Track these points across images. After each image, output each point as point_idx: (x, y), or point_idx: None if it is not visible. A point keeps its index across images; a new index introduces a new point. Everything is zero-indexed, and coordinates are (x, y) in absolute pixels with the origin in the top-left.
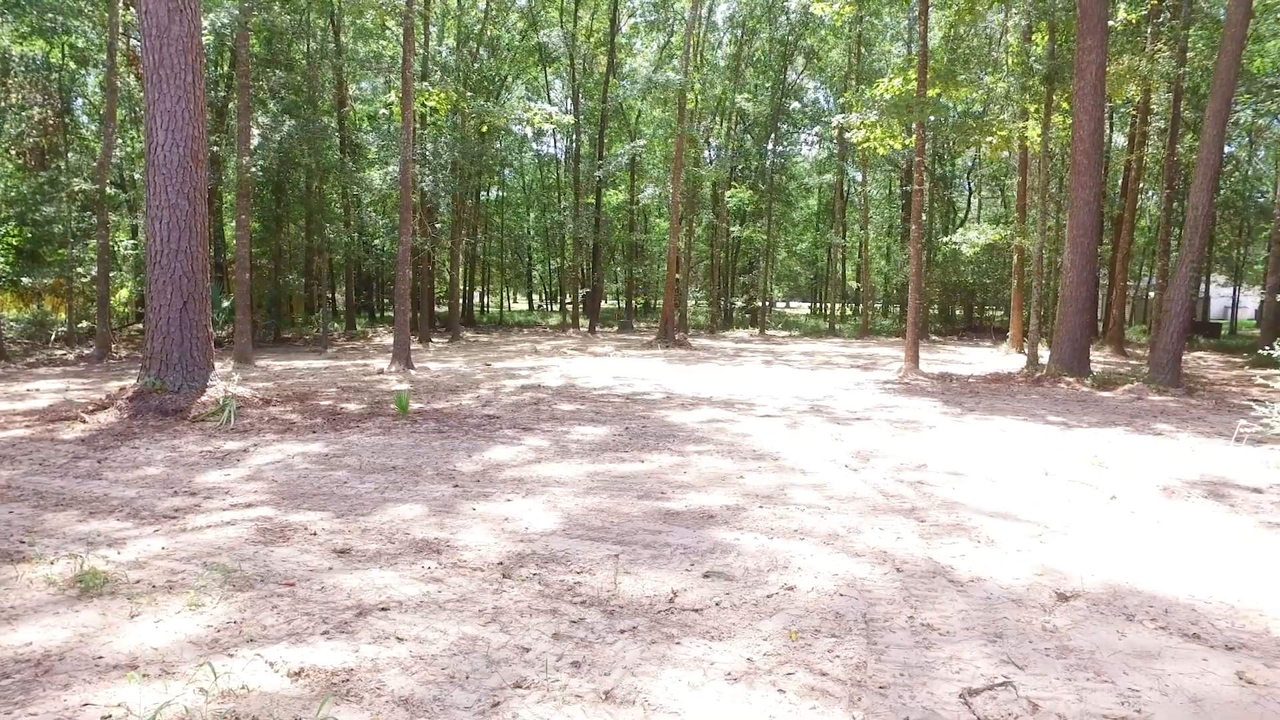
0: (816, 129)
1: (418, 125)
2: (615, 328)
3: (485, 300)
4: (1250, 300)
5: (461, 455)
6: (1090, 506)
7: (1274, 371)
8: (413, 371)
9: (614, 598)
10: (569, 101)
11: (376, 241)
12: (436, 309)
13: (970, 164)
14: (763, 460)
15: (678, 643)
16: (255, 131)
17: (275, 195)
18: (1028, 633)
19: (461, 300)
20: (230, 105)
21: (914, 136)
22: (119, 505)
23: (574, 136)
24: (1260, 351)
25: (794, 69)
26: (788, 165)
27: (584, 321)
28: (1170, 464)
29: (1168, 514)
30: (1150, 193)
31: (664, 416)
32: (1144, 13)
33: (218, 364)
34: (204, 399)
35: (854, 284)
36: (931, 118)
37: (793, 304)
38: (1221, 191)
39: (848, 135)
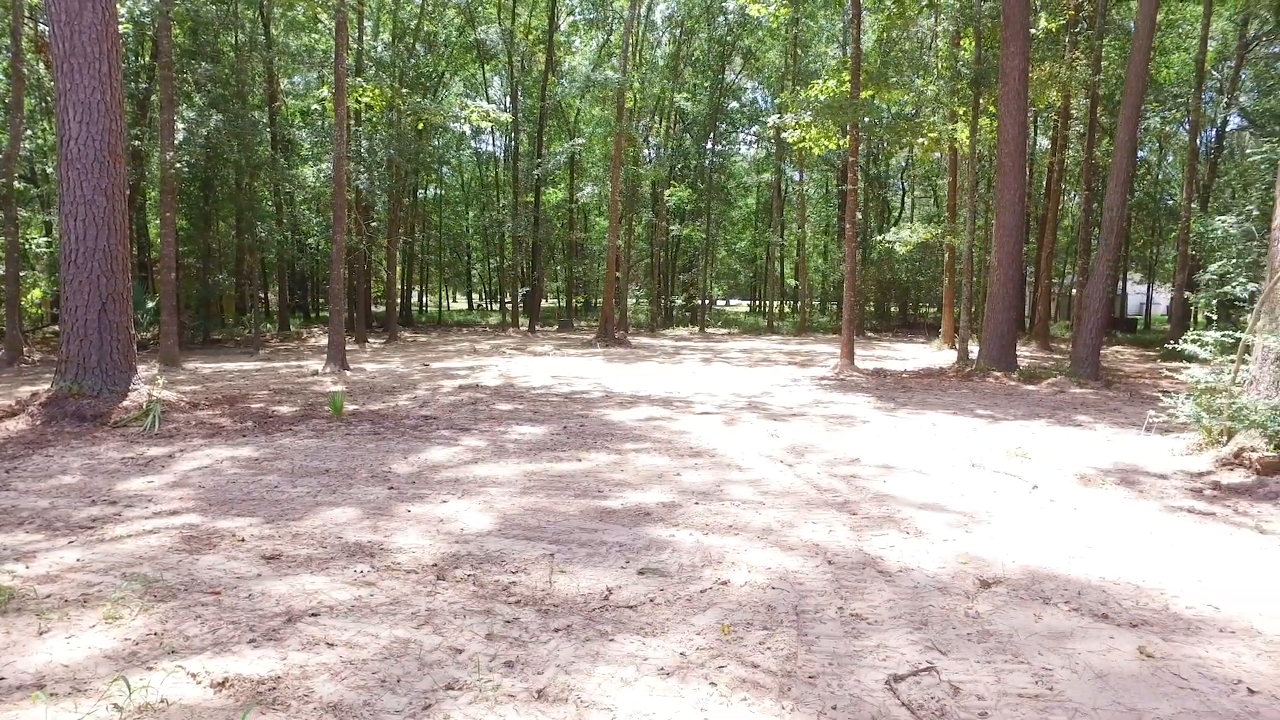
0: (755, 129)
1: (352, 121)
2: (555, 326)
3: (424, 300)
4: (1163, 297)
5: (397, 457)
6: (1014, 496)
7: (1181, 364)
8: (348, 372)
9: (549, 597)
10: (508, 99)
11: (311, 240)
12: (374, 309)
13: (904, 164)
14: (700, 457)
15: (612, 640)
16: (180, 125)
17: (203, 192)
18: (951, 619)
19: (399, 300)
20: (153, 98)
21: (848, 137)
22: (29, 517)
23: (513, 134)
24: (1168, 345)
25: (732, 69)
26: (726, 164)
27: (524, 321)
28: (1088, 453)
29: (1084, 501)
30: (1072, 194)
31: (602, 415)
32: (1063, 22)
33: (141, 367)
34: (126, 403)
35: (792, 282)
36: (865, 119)
37: (733, 302)
38: (1135, 194)
39: (784, 135)
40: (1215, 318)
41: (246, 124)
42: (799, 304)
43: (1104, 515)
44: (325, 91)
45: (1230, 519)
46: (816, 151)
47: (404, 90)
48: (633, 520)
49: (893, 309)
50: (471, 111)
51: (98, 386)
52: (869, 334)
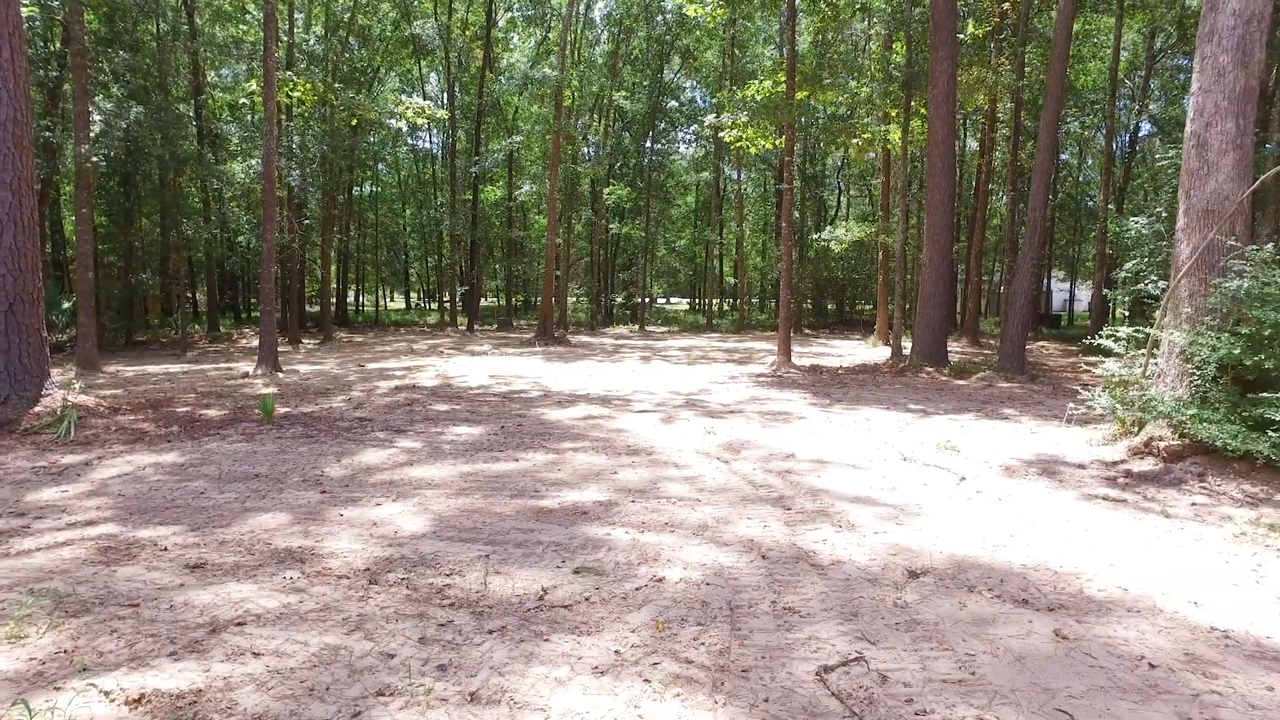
0: (693, 127)
1: (283, 116)
2: (495, 326)
3: (360, 299)
4: (1085, 294)
5: (330, 459)
6: (942, 488)
7: (1098, 358)
8: (280, 374)
9: (484, 598)
10: (445, 95)
11: (241, 238)
12: (308, 308)
13: (840, 164)
14: (637, 455)
15: (546, 639)
16: (97, 117)
17: (124, 187)
18: (881, 610)
19: (334, 299)
20: (65, 87)
21: (784, 137)
22: None
23: (450, 131)
24: (1087, 340)
25: (671, 68)
26: (666, 163)
27: (463, 320)
28: (1013, 446)
29: (1008, 492)
30: (1000, 194)
31: (540, 414)
32: (989, 29)
33: (56, 371)
34: (38, 409)
35: (731, 280)
36: (800, 119)
37: (673, 300)
38: (1058, 195)
39: (721, 135)
40: (1129, 314)
41: (170, 117)
42: (738, 302)
43: (1026, 505)
44: (254, 85)
45: (1140, 505)
46: (753, 151)
47: (337, 85)
48: (569, 519)
49: (830, 306)
50: (407, 108)
51: (5, 392)
52: (806, 331)
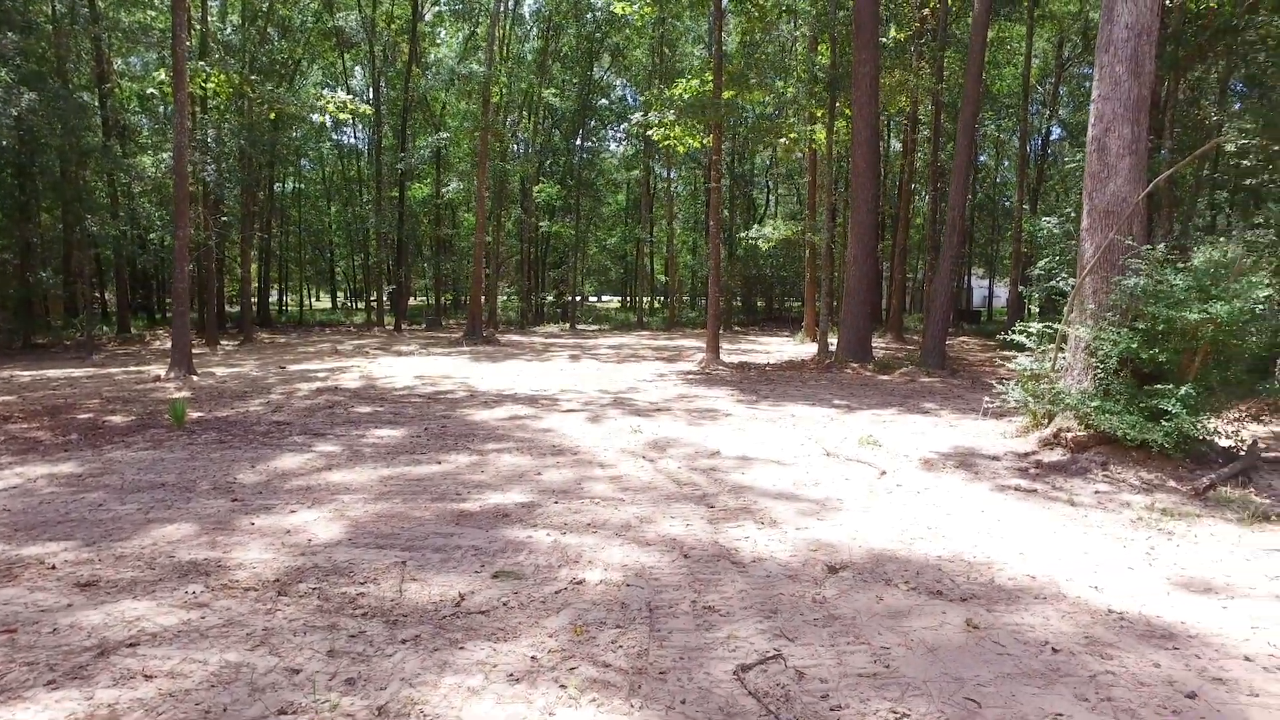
0: (624, 126)
1: (197, 109)
2: (423, 325)
3: (284, 299)
4: (1003, 291)
5: (244, 466)
6: (864, 483)
7: (1013, 353)
8: (195, 377)
9: (398, 606)
10: (370, 90)
11: (153, 235)
12: (229, 308)
13: (768, 163)
14: (562, 455)
15: (461, 648)
16: None
17: (18, 180)
18: (800, 606)
19: (256, 299)
20: None
21: (711, 135)
22: None
23: (376, 127)
24: (1001, 336)
25: (600, 66)
26: (596, 161)
27: (390, 320)
28: (932, 439)
29: (927, 485)
30: (923, 194)
31: (465, 415)
32: (910, 33)
33: None
34: None
35: (663, 278)
36: (728, 118)
37: (605, 298)
38: (977, 195)
39: (649, 133)
40: (1041, 310)
41: (71, 106)
42: (669, 299)
43: (943, 498)
44: (163, 75)
45: (1048, 494)
46: (681, 150)
47: (254, 77)
48: (490, 522)
49: (760, 304)
50: (328, 102)
51: None
52: (736, 328)
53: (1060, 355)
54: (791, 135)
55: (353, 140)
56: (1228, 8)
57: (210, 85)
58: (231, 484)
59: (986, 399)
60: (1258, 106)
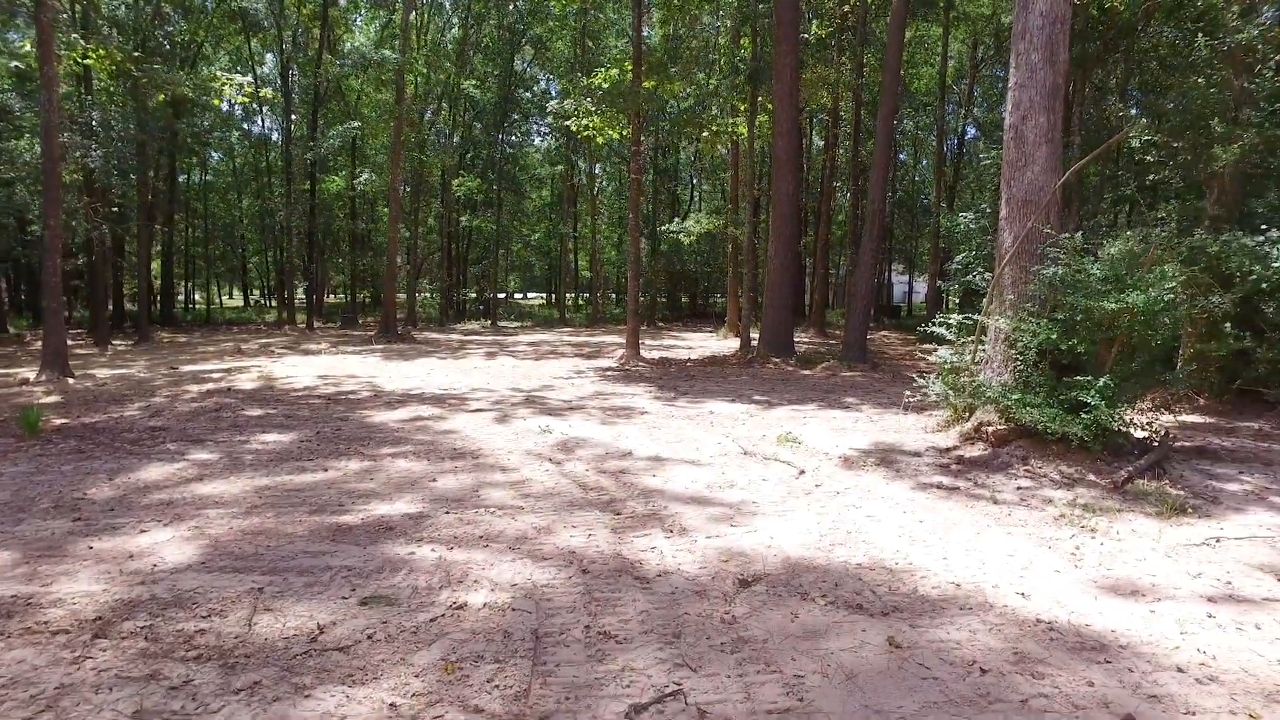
0: (547, 119)
1: (82, 89)
2: (339, 324)
3: (190, 296)
4: (922, 286)
5: (101, 478)
6: (781, 483)
7: (933, 345)
8: (71, 380)
9: (243, 644)
10: (280, 77)
11: (34, 227)
12: (129, 306)
13: (693, 158)
14: (461, 459)
15: (308, 695)
16: None
17: None
18: (706, 628)
19: (158, 296)
20: None
21: (631, 126)
22: None
23: (286, 116)
24: (920, 329)
25: (523, 58)
26: (519, 156)
27: (305, 317)
28: (853, 435)
29: (847, 484)
30: (845, 191)
31: (365, 417)
32: (831, 29)
33: None
34: None
35: (587, 274)
36: (647, 109)
37: (531, 295)
38: (897, 193)
39: (568, 123)
40: (959, 303)
41: None
42: (593, 295)
43: (864, 498)
44: (28, 45)
45: (971, 492)
46: (600, 141)
47: (137, 54)
48: (370, 537)
49: (684, 299)
50: (224, 84)
51: None
52: (659, 324)
53: (980, 348)
54: (714, 128)
55: (264, 129)
56: (1125, 14)
57: (89, 61)
58: (79, 501)
59: (908, 393)
60: (1154, 106)
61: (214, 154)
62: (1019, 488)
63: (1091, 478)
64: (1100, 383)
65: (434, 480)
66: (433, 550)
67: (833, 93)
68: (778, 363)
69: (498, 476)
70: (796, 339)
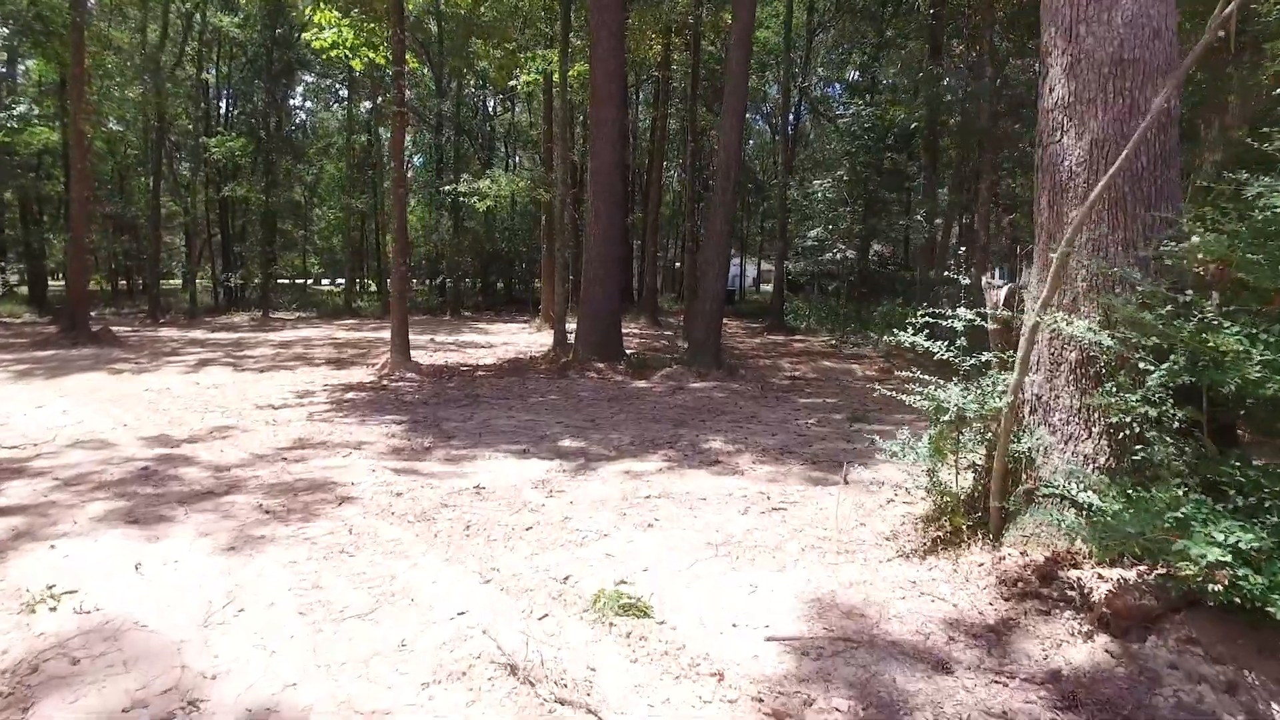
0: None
1: None
2: (48, 320)
3: None
4: (752, 268)
5: None
6: None
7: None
8: None
9: None
10: None
11: None
12: None
13: (507, 126)
14: None
15: None
16: None
17: None
18: None
19: None
20: None
21: (392, 41)
22: None
23: None
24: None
25: None
26: (316, 124)
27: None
28: (756, 566)
29: None
30: (673, 170)
31: None
32: None
33: None
34: None
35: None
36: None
37: (339, 281)
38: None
39: (306, 35)
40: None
41: None
42: (383, 282)
43: None
44: None
45: None
46: (357, 65)
47: None
48: None
49: (499, 285)
50: None
51: None
52: (466, 313)
53: (1030, 378)
54: (517, 59)
55: None
56: None
57: None
58: None
59: (847, 464)
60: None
61: None
62: None
63: None
64: None
65: None
66: None
67: (665, 35)
68: (602, 368)
69: None
70: (626, 330)
